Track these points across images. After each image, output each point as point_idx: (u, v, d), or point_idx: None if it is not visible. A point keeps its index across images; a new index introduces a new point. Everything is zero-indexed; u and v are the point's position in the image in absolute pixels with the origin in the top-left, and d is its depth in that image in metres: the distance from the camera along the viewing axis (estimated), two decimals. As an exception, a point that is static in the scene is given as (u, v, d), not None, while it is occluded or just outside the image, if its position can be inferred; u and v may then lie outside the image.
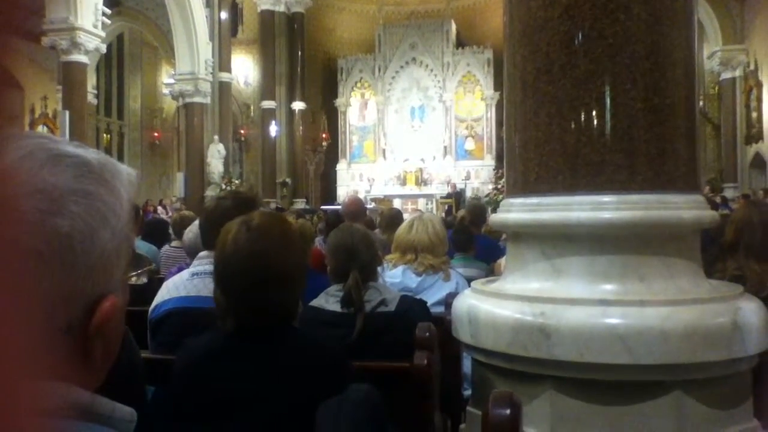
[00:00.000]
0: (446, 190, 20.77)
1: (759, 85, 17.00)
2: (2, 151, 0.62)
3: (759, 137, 16.97)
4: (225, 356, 1.51)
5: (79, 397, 0.66)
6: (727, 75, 18.49)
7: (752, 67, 17.32)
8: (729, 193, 16.35)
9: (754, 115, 17.21)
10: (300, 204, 20.75)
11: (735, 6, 18.08)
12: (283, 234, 1.61)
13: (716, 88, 19.22)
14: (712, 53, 18.46)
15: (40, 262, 0.61)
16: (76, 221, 0.65)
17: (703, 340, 1.92)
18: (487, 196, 20.17)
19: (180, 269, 3.19)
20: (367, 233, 2.63)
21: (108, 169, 0.71)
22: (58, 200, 0.64)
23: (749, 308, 2.03)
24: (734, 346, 1.96)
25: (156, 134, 23.44)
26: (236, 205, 2.34)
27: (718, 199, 13.82)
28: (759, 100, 16.98)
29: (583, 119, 2.16)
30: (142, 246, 5.09)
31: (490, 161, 22.00)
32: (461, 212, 8.59)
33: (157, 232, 5.89)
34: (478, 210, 6.50)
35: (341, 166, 23.54)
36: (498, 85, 20.17)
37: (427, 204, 20.80)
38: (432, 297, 3.21)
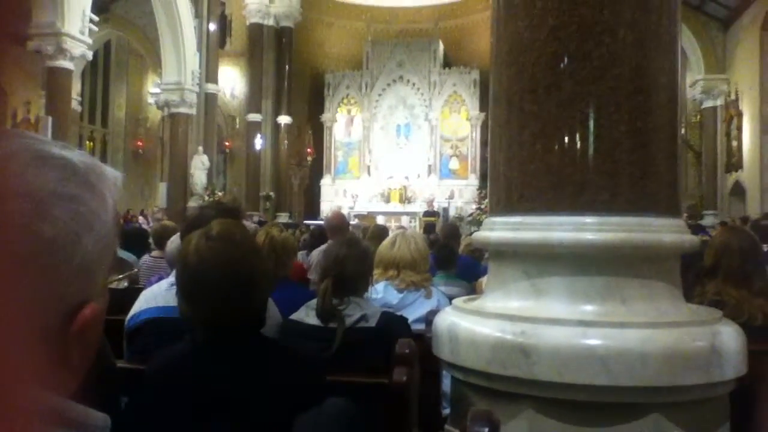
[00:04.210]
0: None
1: (739, 115, 17.30)
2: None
3: (739, 166, 17.25)
4: (198, 363, 1.50)
5: (53, 402, 0.64)
6: (708, 103, 18.83)
7: (733, 96, 17.64)
8: (709, 220, 16.55)
9: (735, 144, 17.51)
10: (283, 218, 20.67)
11: (717, 36, 18.47)
12: (244, 240, 1.61)
13: (698, 116, 19.53)
14: (695, 82, 18.80)
15: (20, 267, 0.60)
16: (60, 226, 0.63)
17: (682, 363, 1.93)
18: (470, 215, 20.24)
19: (159, 279, 3.16)
20: (366, 251, 2.63)
21: (94, 172, 0.70)
22: (41, 204, 0.62)
23: (728, 333, 2.05)
24: (712, 370, 1.97)
25: (140, 143, 23.31)
26: (219, 215, 2.33)
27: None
28: (739, 129, 17.28)
29: (566, 140, 2.18)
30: (122, 255, 5.04)
31: (474, 181, 22.10)
32: (433, 234, 8.72)
33: (136, 241, 5.85)
34: (452, 230, 6.61)
35: (325, 182, 23.51)
36: (484, 106, 20.32)
37: (410, 222, 20.80)
38: (413, 314, 3.20)
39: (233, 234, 1.58)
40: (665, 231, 2.17)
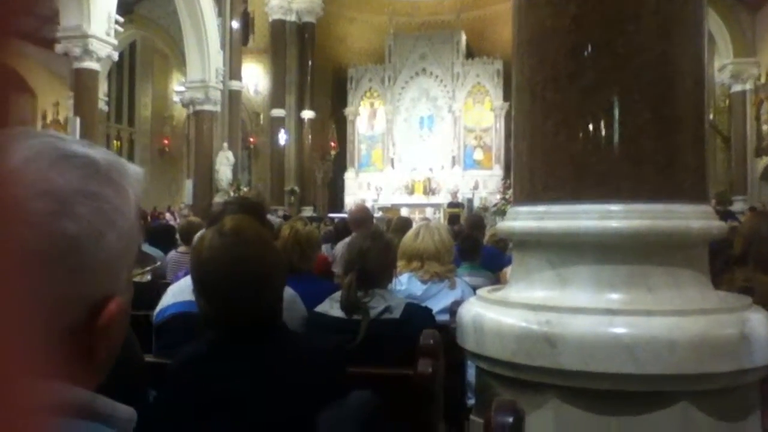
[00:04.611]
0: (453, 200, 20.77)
1: (770, 98, 16.95)
2: (10, 150, 0.62)
3: (769, 150, 16.91)
4: (218, 358, 1.51)
5: (80, 395, 0.66)
6: (737, 88, 18.43)
7: (763, 80, 17.27)
8: (738, 206, 16.25)
9: (765, 128, 17.15)
10: (308, 212, 20.78)
11: (746, 19, 18.06)
12: (257, 235, 1.61)
13: (726, 101, 19.15)
14: (723, 66, 18.42)
15: (45, 264, 0.61)
16: (83, 223, 0.64)
17: (710, 350, 1.90)
18: (495, 206, 20.14)
19: (186, 274, 3.19)
20: (389, 243, 2.64)
21: (116, 169, 0.71)
22: (65, 202, 0.64)
23: (758, 319, 2.02)
24: (742, 358, 1.94)
25: (166, 141, 23.53)
26: (242, 210, 2.35)
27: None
28: (769, 113, 16.93)
29: (590, 128, 2.16)
30: (149, 250, 5.12)
31: (498, 171, 21.97)
32: (458, 225, 8.75)
33: (163, 237, 5.94)
34: (476, 221, 6.62)
35: (349, 175, 23.56)
36: (507, 96, 20.16)
37: (435, 213, 20.77)
38: (437, 305, 3.20)
39: (243, 230, 1.59)
40: (692, 218, 2.14)
